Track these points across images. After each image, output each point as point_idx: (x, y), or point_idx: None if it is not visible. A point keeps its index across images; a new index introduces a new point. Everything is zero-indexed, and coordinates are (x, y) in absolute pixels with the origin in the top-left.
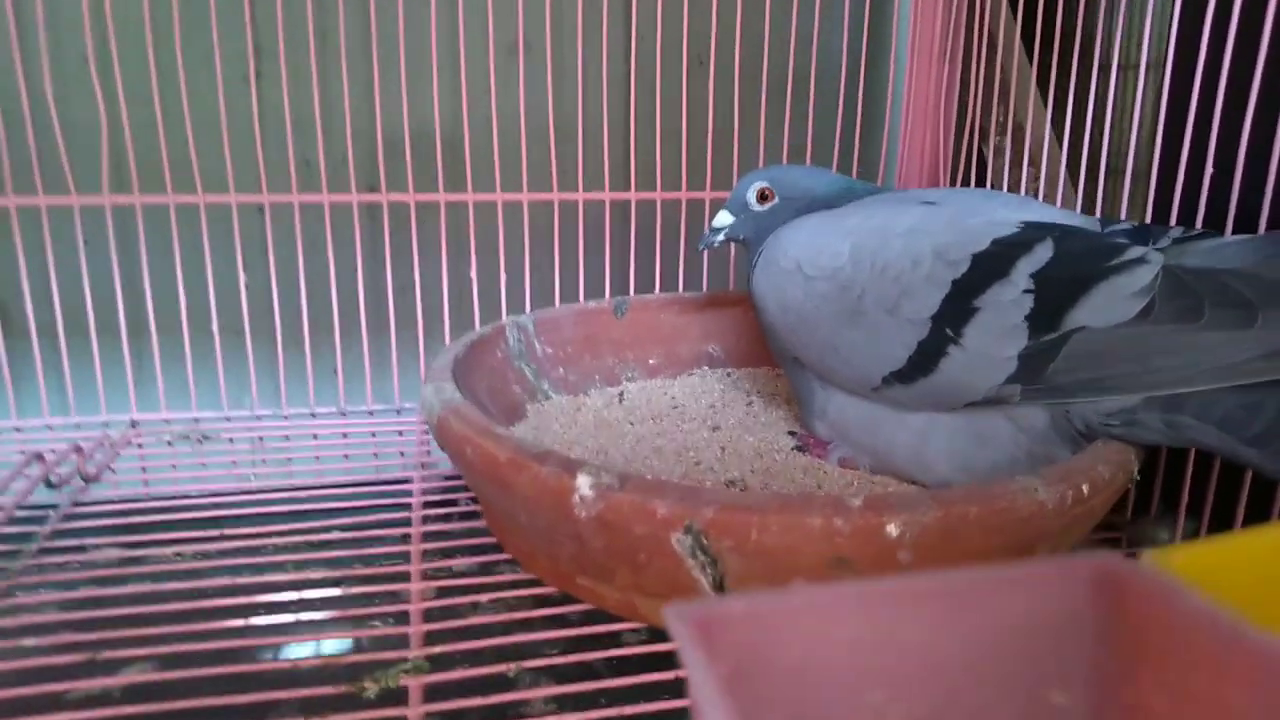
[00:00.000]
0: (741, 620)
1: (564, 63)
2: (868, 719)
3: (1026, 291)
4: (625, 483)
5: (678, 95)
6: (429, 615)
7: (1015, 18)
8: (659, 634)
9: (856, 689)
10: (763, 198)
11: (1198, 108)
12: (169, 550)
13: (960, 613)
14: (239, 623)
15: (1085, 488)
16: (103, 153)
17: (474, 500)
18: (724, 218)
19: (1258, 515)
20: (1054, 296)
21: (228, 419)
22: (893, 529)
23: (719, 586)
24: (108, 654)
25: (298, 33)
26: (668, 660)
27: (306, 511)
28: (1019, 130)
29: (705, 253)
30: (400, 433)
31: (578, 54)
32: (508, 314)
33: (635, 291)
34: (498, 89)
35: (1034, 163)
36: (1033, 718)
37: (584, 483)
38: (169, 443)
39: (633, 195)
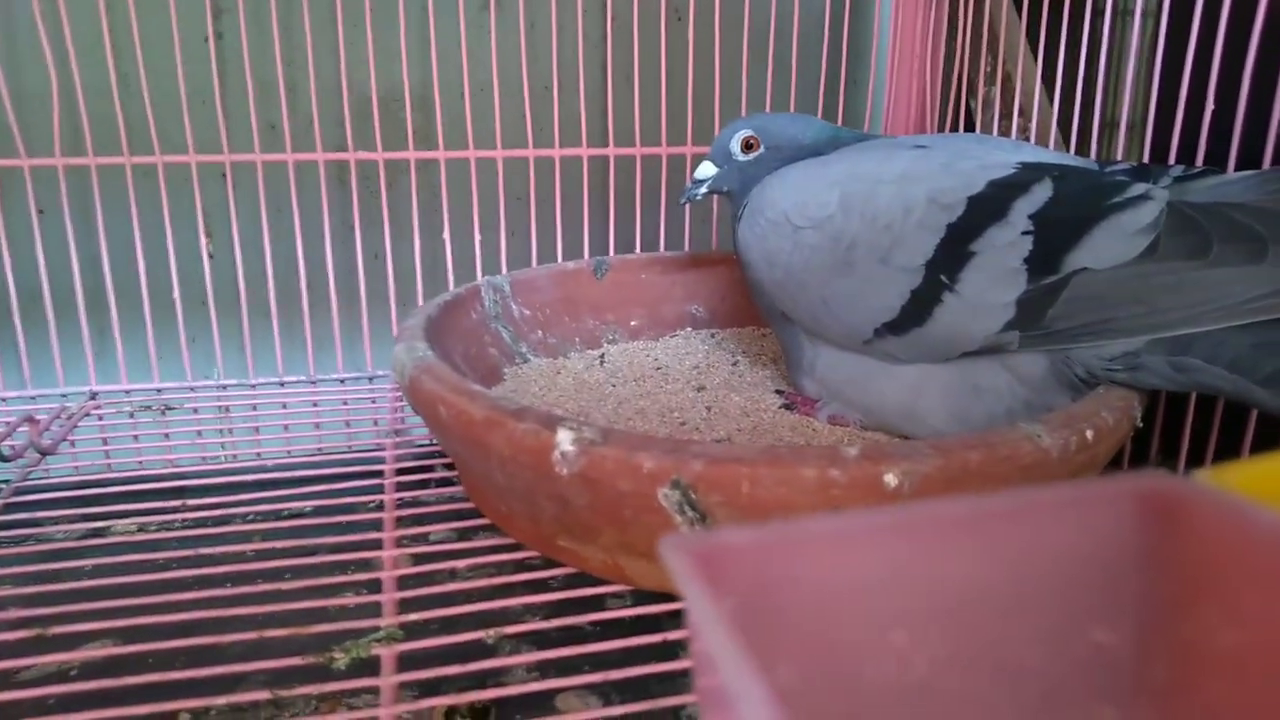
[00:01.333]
0: (748, 553)
1: (537, 17)
2: (890, 663)
3: (1025, 233)
4: (608, 437)
5: (656, 49)
6: (403, 583)
7: None
8: (644, 596)
9: (877, 629)
10: (747, 147)
11: (1196, 50)
12: (131, 523)
13: (991, 543)
14: (203, 594)
15: (1089, 434)
16: (54, 115)
17: (450, 467)
18: (707, 168)
19: None
20: (1053, 238)
21: (192, 389)
22: (891, 478)
23: None
24: (65, 628)
25: None
26: (654, 623)
27: (275, 481)
28: (1008, 81)
29: (687, 208)
30: (373, 400)
31: (551, 8)
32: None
33: (615, 251)
34: (469, 45)
35: (1024, 114)
36: (1072, 660)
37: (565, 438)
38: (130, 414)
39: (611, 151)
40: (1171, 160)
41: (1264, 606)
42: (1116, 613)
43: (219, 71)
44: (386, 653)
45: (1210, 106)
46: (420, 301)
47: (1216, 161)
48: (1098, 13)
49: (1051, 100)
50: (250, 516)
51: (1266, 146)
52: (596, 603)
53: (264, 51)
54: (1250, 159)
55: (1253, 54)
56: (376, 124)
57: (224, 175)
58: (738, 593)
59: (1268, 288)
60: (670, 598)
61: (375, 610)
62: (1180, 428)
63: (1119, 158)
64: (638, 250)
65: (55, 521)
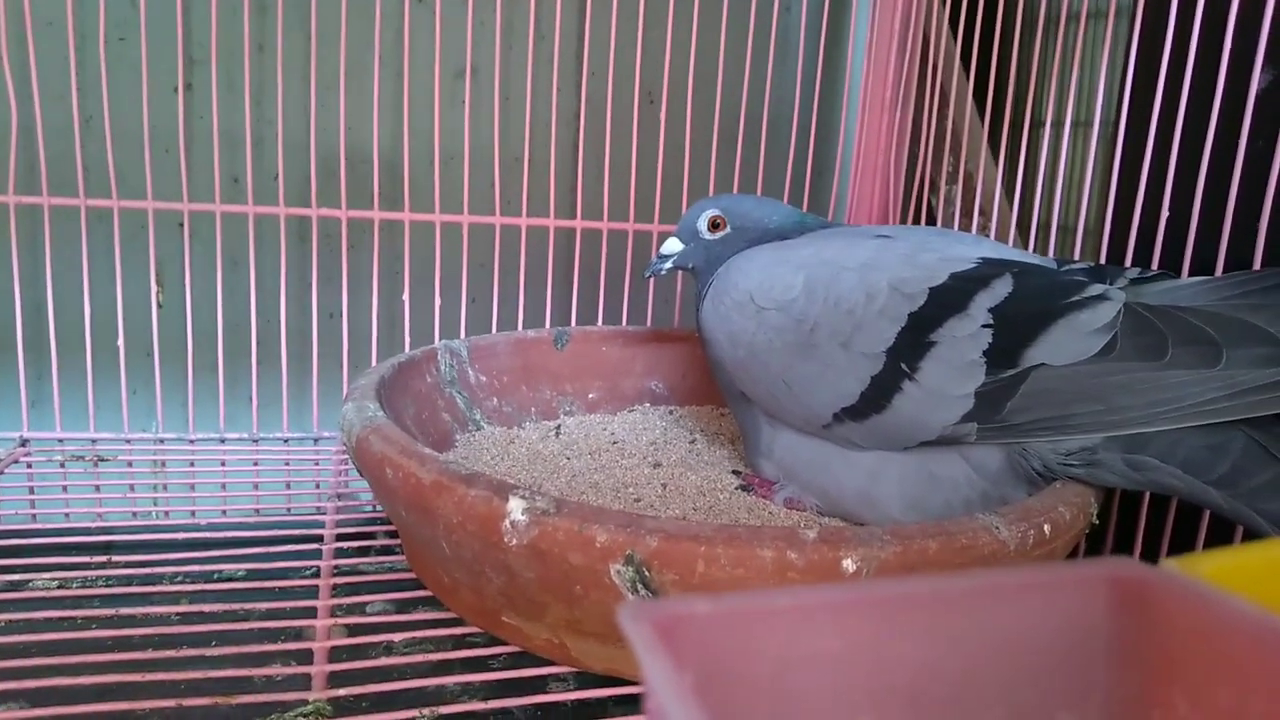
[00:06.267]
0: (708, 622)
1: (511, 89)
2: None
3: (985, 327)
4: (561, 508)
5: (628, 129)
6: (335, 654)
7: (968, 77)
8: (588, 680)
9: (840, 709)
10: (714, 226)
11: (1152, 160)
12: (52, 577)
13: (958, 623)
14: (122, 657)
15: (1046, 528)
16: (11, 151)
17: (393, 535)
18: (673, 244)
19: None
20: (1013, 332)
21: (128, 441)
22: (849, 563)
23: None
24: None
25: (233, 45)
26: (599, 708)
27: (207, 541)
28: (969, 180)
29: (651, 283)
30: (316, 463)
31: (526, 82)
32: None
33: (577, 323)
34: (441, 111)
35: (984, 213)
36: None
37: (516, 507)
38: (61, 464)
39: (578, 224)
40: (1128, 262)
41: (1234, 699)
42: (1083, 697)
43: (185, 121)
44: None
45: (1165, 213)
46: (374, 363)
47: (1171, 265)
48: (1056, 122)
49: (1011, 200)
50: (179, 577)
51: (1219, 252)
52: (538, 684)
53: (233, 105)
54: (1204, 264)
55: (1205, 162)
56: (343, 182)
57: (181, 225)
58: (696, 663)
59: (1221, 391)
60: (617, 682)
61: (304, 682)
62: (1134, 525)
63: (1075, 257)
64: (599, 323)
65: None
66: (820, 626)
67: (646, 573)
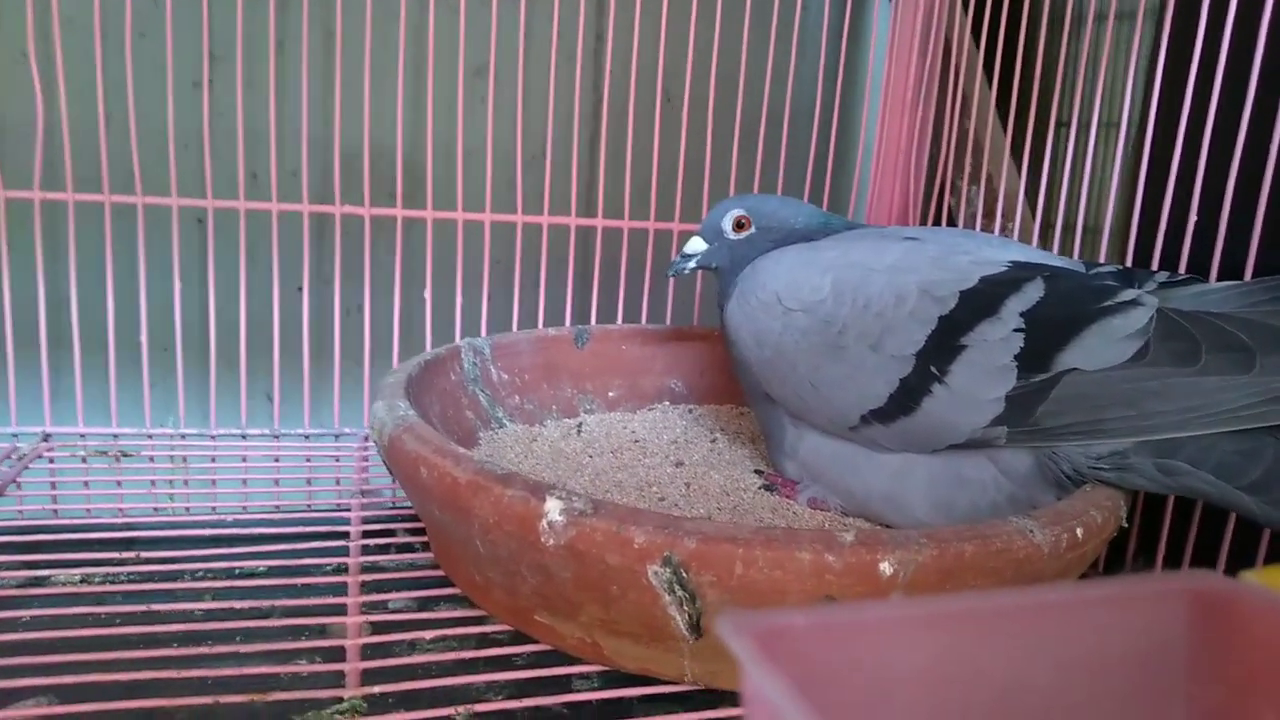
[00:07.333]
0: (805, 635)
1: (534, 88)
2: None
3: (1016, 330)
4: (599, 509)
5: (650, 127)
6: (366, 652)
7: (990, 77)
8: (612, 679)
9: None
10: (739, 226)
11: (1180, 163)
12: (75, 573)
13: (1043, 637)
14: (149, 653)
15: (1080, 531)
16: (36, 148)
17: (415, 533)
18: (697, 244)
19: (1240, 564)
20: (1045, 337)
21: (150, 436)
22: (886, 567)
23: (695, 627)
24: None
25: (257, 41)
26: (625, 707)
27: (230, 537)
28: (990, 182)
29: (672, 282)
30: (337, 459)
31: (549, 81)
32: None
33: (597, 322)
34: (465, 110)
35: (1007, 215)
36: None
37: (554, 508)
38: (83, 459)
39: (599, 222)
40: (1154, 265)
41: None
42: (1166, 714)
43: (209, 117)
44: None
45: (1194, 218)
46: (395, 360)
47: (1199, 269)
48: (1083, 124)
49: (1033, 202)
50: (202, 574)
51: (1249, 257)
52: (563, 683)
53: (256, 101)
54: (1232, 269)
55: (1235, 165)
56: (366, 180)
57: (202, 220)
58: (794, 674)
59: (1255, 397)
60: (642, 681)
61: (335, 679)
62: (1158, 529)
63: (1100, 260)
64: (620, 321)
65: None
66: (913, 639)
67: (684, 574)
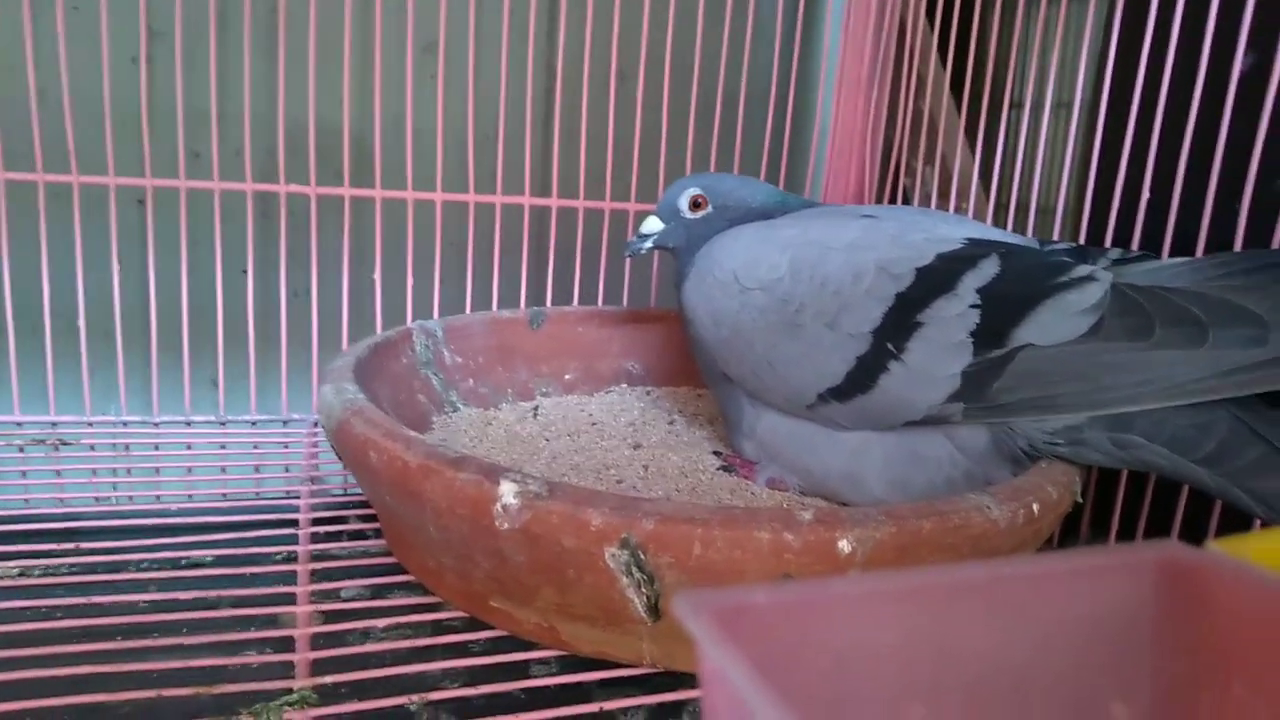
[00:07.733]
0: (766, 614)
1: (485, 65)
2: None
3: (972, 307)
4: (555, 491)
5: (604, 106)
6: (317, 642)
7: (945, 57)
8: (570, 663)
9: (895, 701)
10: (695, 205)
11: (1133, 141)
12: (13, 565)
13: (1008, 611)
14: (91, 647)
15: (1035, 507)
16: None
17: (366, 520)
18: (653, 224)
19: (1193, 538)
20: (1000, 313)
21: (90, 424)
22: (845, 544)
23: (653, 609)
24: None
25: (197, 15)
26: (583, 692)
27: (176, 527)
28: (945, 161)
29: (628, 263)
30: (285, 445)
31: (501, 58)
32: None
33: (552, 303)
34: (414, 87)
35: (961, 194)
36: None
37: (507, 490)
38: (20, 448)
39: (554, 202)
40: (1108, 243)
41: None
42: (1134, 685)
43: (148, 93)
44: (300, 717)
45: (1146, 194)
46: (344, 344)
47: (1151, 246)
48: (1036, 103)
49: (987, 182)
50: (146, 564)
51: (1200, 233)
52: (521, 669)
53: (198, 77)
54: (1184, 245)
55: (1187, 143)
56: (312, 159)
57: (141, 201)
58: (755, 653)
59: (1207, 371)
60: (601, 665)
61: (284, 670)
62: (1111, 504)
63: (1055, 238)
64: (575, 303)
65: None
66: (878, 616)
67: (642, 555)
